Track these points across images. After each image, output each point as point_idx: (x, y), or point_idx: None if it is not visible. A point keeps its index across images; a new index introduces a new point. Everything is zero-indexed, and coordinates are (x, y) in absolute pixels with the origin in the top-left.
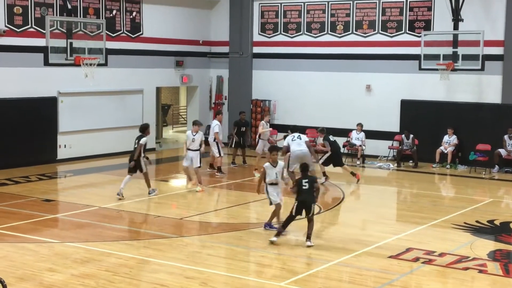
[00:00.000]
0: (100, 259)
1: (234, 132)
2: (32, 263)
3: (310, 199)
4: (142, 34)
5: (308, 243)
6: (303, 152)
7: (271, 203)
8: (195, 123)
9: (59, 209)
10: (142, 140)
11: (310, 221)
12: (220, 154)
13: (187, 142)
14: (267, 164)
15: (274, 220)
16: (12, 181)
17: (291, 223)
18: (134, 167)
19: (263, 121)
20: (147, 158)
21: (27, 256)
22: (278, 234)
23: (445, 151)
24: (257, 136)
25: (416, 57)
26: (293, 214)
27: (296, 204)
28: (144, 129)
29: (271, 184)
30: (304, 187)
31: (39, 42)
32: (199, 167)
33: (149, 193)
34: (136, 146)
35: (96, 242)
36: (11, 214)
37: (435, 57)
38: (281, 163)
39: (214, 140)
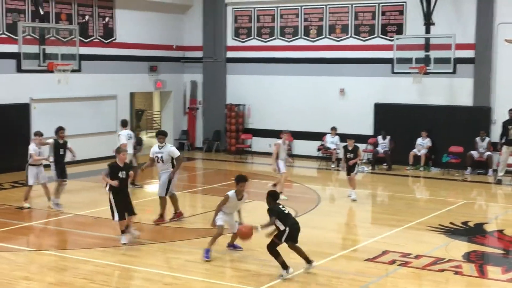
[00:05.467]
0: (77, 266)
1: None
2: (8, 272)
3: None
4: (115, 39)
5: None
6: None
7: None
8: (37, 133)
9: (33, 217)
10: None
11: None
12: None
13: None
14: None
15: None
16: None
17: None
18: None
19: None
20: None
21: (3, 265)
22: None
23: (419, 154)
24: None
25: (389, 60)
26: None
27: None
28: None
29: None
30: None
31: (12, 48)
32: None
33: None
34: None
35: (72, 250)
36: None
37: (408, 60)
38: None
39: None
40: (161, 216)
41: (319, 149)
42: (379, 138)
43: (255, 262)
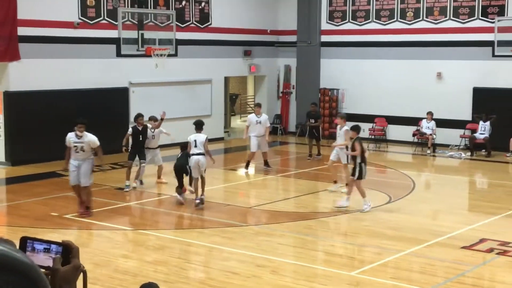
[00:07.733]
0: (172, 246)
1: None
2: (108, 249)
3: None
4: (210, 24)
5: None
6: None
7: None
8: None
9: (131, 198)
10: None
11: None
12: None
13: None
14: None
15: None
16: None
17: None
18: None
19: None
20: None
21: (103, 243)
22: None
23: None
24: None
25: (489, 43)
26: None
27: None
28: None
29: None
30: None
31: (112, 33)
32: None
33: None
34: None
35: (168, 230)
36: None
37: (510, 43)
38: None
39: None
40: (88, 207)
41: (414, 135)
42: (479, 119)
43: (347, 247)
